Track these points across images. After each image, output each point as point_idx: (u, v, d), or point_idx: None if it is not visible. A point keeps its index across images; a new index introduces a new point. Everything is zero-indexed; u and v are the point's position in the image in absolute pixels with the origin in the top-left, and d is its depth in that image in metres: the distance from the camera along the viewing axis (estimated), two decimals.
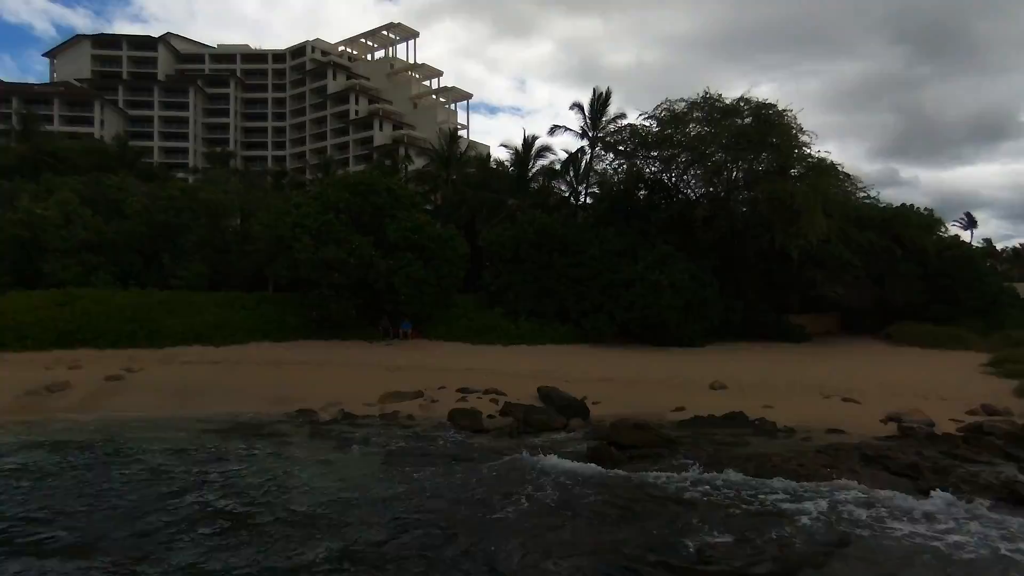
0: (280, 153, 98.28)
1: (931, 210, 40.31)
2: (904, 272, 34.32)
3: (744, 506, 10.31)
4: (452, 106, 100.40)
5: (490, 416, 17.17)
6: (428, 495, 10.93)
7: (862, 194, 37.44)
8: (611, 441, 14.03)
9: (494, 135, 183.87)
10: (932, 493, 10.37)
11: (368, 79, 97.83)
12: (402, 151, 61.94)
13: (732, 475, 11.74)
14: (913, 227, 36.17)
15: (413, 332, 29.21)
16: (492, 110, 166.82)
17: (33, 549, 8.44)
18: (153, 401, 18.43)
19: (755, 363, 25.13)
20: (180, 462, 12.76)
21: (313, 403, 18.38)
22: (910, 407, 17.26)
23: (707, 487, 11.23)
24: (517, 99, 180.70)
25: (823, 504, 10.12)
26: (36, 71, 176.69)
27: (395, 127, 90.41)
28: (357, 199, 29.29)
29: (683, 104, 33.31)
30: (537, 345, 28.32)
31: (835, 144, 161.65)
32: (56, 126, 73.38)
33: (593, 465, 12.50)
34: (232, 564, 8.12)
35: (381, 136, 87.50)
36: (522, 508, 10.37)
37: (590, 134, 38.12)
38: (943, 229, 40.00)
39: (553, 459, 13.12)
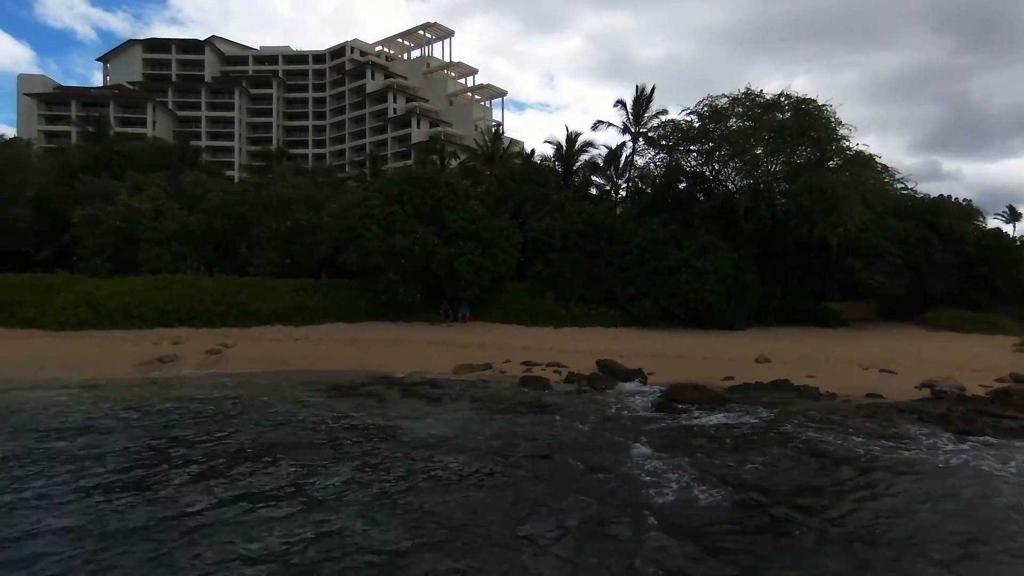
0: (320, 151, 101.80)
1: (969, 200, 41.19)
2: (941, 260, 35.30)
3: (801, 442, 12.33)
4: (487, 103, 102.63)
5: (555, 384, 19.25)
6: (524, 433, 13.06)
7: (899, 185, 38.53)
8: (671, 398, 16.03)
9: (522, 131, 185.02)
10: (969, 437, 12.17)
11: (405, 78, 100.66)
12: (438, 147, 64.26)
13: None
14: (951, 216, 37.13)
15: (470, 316, 31.50)
16: (520, 106, 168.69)
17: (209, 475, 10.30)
18: (253, 370, 20.86)
19: (796, 343, 26.76)
20: (302, 411, 15.02)
21: (395, 372, 20.71)
22: (943, 376, 18.82)
23: (761, 427, 13.27)
24: (546, 95, 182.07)
25: (881, 442, 12.02)
26: (78, 75, 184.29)
27: (432, 124, 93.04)
28: (418, 192, 31.66)
29: (724, 99, 34.82)
30: (587, 327, 30.32)
31: (875, 137, 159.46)
32: (112, 127, 77.50)
33: (661, 414, 14.57)
34: (384, 475, 10.34)
35: (419, 133, 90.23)
36: (609, 438, 12.48)
37: (632, 129, 39.81)
38: (980, 219, 40.70)
39: (623, 407, 15.24)
